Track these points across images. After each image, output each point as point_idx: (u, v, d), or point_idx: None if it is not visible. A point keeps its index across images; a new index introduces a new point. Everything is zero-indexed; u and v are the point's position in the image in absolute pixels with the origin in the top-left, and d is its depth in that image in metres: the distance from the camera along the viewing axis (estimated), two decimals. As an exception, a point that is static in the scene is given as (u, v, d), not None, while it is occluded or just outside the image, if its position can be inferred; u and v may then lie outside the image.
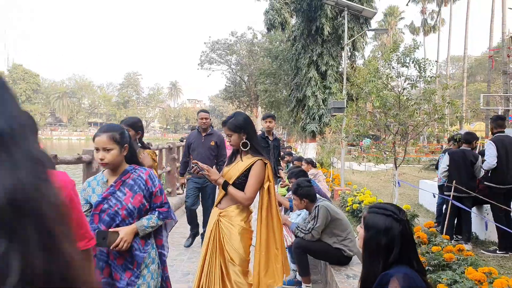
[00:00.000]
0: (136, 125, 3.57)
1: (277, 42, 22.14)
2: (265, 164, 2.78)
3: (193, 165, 2.76)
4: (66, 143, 75.29)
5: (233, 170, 2.77)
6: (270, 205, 2.80)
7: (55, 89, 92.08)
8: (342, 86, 16.31)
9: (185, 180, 5.57)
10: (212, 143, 5.08)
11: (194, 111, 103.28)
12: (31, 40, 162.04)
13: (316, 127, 15.14)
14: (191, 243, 5.32)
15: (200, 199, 5.25)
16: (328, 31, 14.47)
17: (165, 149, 7.09)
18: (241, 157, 2.80)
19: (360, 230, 1.72)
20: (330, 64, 15.22)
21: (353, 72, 16.40)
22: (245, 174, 2.72)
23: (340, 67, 16.54)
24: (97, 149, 2.11)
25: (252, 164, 2.71)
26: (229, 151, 3.21)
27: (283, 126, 33.13)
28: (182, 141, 8.52)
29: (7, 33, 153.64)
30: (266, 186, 2.76)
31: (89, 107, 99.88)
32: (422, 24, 39.57)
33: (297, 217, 4.54)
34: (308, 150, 16.36)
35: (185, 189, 7.75)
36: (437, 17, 37.65)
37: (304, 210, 4.17)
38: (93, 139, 2.11)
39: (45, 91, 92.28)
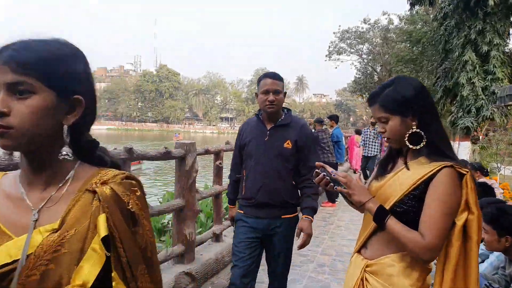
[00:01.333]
0: None
1: (420, 24, 19.07)
2: (462, 175, 1.36)
3: (317, 170, 1.46)
4: (201, 136, 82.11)
5: (391, 187, 1.45)
6: (467, 260, 1.38)
7: (193, 86, 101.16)
8: (511, 70, 12.87)
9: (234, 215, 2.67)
10: (288, 144, 2.41)
11: (319, 106, 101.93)
12: (172, 40, 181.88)
13: (471, 122, 12.13)
14: None
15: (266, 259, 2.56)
16: (494, 1, 11.33)
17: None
18: (405, 162, 1.46)
19: None
20: (495, 43, 11.96)
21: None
22: (417, 195, 1.38)
23: (508, 47, 13.05)
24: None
25: (433, 175, 1.36)
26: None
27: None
28: None
29: (156, 35, 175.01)
30: (461, 221, 1.36)
31: (221, 103, 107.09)
32: None
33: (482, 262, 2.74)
34: (459, 151, 13.35)
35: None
36: None
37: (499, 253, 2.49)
38: None
39: (184, 89, 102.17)
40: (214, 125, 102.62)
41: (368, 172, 9.34)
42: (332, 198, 7.32)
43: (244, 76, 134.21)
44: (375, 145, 9.45)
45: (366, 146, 9.57)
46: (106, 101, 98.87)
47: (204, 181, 9.80)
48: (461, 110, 12.72)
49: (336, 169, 8.05)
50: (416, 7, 15.63)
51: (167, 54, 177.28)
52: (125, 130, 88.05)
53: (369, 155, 9.48)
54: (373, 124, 9.50)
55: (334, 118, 8.23)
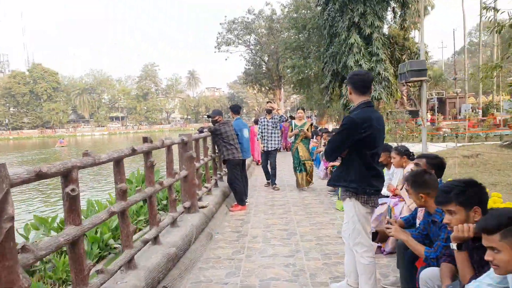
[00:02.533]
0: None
1: (304, 11, 19.31)
2: None
3: None
4: (89, 139, 75.06)
5: None
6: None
7: (75, 86, 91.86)
8: (392, 51, 13.60)
9: None
10: None
11: (213, 100, 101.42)
12: (46, 39, 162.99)
13: (362, 104, 12.43)
14: None
15: None
16: (373, -17, 11.68)
17: (178, 145, 4.72)
18: None
19: None
20: (376, 25, 12.41)
21: (403, 33, 13.57)
22: None
23: (386, 28, 13.71)
24: None
25: None
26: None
27: (311, 107, 30.37)
28: (201, 131, 6.10)
29: (25, 32, 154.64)
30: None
31: (109, 102, 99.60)
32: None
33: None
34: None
35: (211, 199, 5.46)
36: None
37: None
38: None
39: (65, 89, 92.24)
40: (104, 126, 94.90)
41: (269, 168, 8.20)
42: (242, 199, 6.36)
43: (132, 72, 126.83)
44: (274, 137, 8.09)
45: (264, 139, 8.10)
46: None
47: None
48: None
49: (243, 165, 6.97)
50: None
51: (41, 52, 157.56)
52: (-6, 140, 75.99)
53: (269, 149, 8.09)
54: (268, 112, 8.18)
55: (233, 109, 7.25)
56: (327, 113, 24.92)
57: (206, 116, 8.01)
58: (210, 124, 6.50)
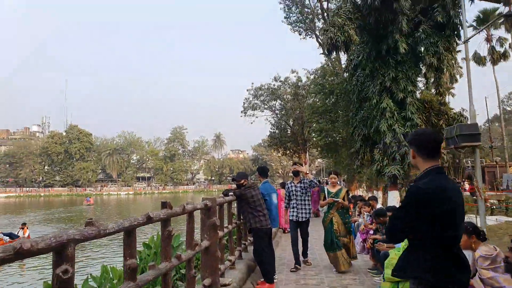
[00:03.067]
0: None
1: (331, 77, 19.43)
2: None
3: None
4: (115, 198, 75.61)
5: None
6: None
7: (106, 147, 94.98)
8: (427, 116, 13.05)
9: None
10: None
11: (237, 161, 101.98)
12: (83, 102, 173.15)
13: (398, 170, 11.69)
14: None
15: None
16: (405, 49, 11.50)
17: (200, 211, 4.17)
18: None
19: None
20: (409, 90, 12.05)
21: (438, 98, 13.11)
22: None
23: (419, 93, 13.30)
24: None
25: None
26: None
27: (340, 173, 29.49)
28: (226, 194, 5.56)
29: (66, 96, 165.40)
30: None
31: (138, 162, 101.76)
32: (490, 53, 35.52)
33: None
34: (388, 201, 12.79)
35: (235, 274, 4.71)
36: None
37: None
38: None
39: (97, 149, 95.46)
40: (130, 186, 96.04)
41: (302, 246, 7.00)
42: (270, 276, 5.61)
43: (162, 135, 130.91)
44: (305, 204, 6.86)
45: (293, 208, 6.88)
46: (7, 165, 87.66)
47: None
48: (385, 158, 12.31)
49: (270, 235, 6.08)
50: (333, 54, 15.70)
51: (79, 113, 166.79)
52: (27, 197, 77.65)
53: (299, 219, 6.85)
54: (295, 174, 7.02)
55: (260, 171, 6.63)
56: (356, 179, 24.06)
57: (230, 179, 7.53)
58: (235, 186, 5.97)
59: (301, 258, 7.04)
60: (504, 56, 35.22)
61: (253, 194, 5.61)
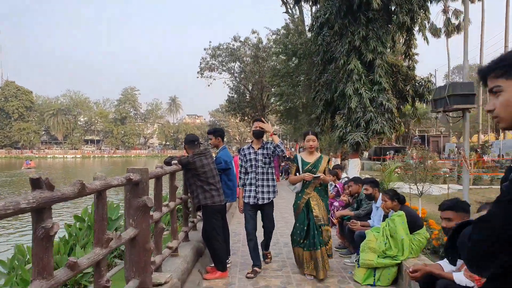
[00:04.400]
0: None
1: (295, 36, 18.10)
2: None
3: None
4: (60, 161, 71.18)
5: None
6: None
7: (49, 106, 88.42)
8: (394, 81, 12.29)
9: None
10: None
11: (194, 127, 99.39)
12: (23, 57, 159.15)
13: (362, 137, 10.92)
14: None
15: None
16: (378, 4, 10.42)
17: (124, 187, 2.90)
18: None
19: None
20: (379, 51, 11.12)
21: (408, 62, 12.35)
22: None
23: (390, 55, 12.43)
24: None
25: None
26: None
27: (296, 139, 28.89)
28: (168, 163, 4.31)
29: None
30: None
31: (85, 124, 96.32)
32: (446, 24, 35.66)
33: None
34: (348, 169, 12.09)
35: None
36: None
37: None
38: None
39: (39, 109, 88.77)
40: (77, 149, 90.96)
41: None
42: (222, 262, 4.53)
43: (111, 95, 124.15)
44: (268, 180, 4.76)
45: (251, 185, 4.76)
46: None
47: None
48: (349, 124, 11.47)
49: (224, 213, 4.68)
50: (300, 3, 14.28)
51: (17, 69, 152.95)
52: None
53: (258, 201, 4.73)
54: (257, 136, 4.87)
55: (216, 133, 5.15)
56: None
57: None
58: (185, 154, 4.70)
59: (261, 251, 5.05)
60: (457, 28, 35.52)
61: (204, 163, 4.37)
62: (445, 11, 36.06)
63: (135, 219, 2.94)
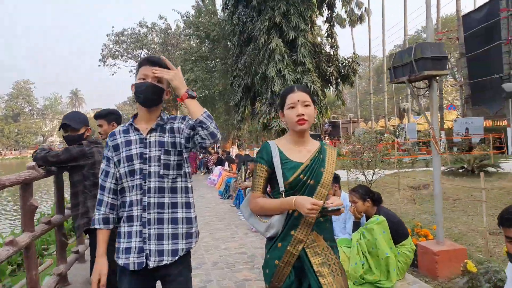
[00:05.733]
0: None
1: (207, 16, 16.53)
2: None
3: None
4: None
5: None
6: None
7: None
8: (317, 62, 11.50)
9: None
10: None
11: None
12: None
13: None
14: None
15: None
16: (299, -24, 9.46)
17: None
18: None
19: None
20: (301, 28, 10.20)
21: (330, 41, 11.66)
22: None
23: (312, 33, 11.62)
24: None
25: None
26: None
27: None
28: (43, 158, 2.58)
29: None
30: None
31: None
32: (349, 15, 36.98)
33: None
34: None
35: None
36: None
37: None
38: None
39: None
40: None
41: None
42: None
43: (1, 90, 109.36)
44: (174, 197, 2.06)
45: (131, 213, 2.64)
46: None
47: None
48: (273, 109, 10.43)
49: None
50: None
51: None
52: None
53: (148, 263, 1.86)
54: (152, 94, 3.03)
55: (113, 116, 3.34)
56: (231, 136, 22.16)
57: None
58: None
59: None
60: (360, 19, 37.19)
61: (100, 158, 2.77)
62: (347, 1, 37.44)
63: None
